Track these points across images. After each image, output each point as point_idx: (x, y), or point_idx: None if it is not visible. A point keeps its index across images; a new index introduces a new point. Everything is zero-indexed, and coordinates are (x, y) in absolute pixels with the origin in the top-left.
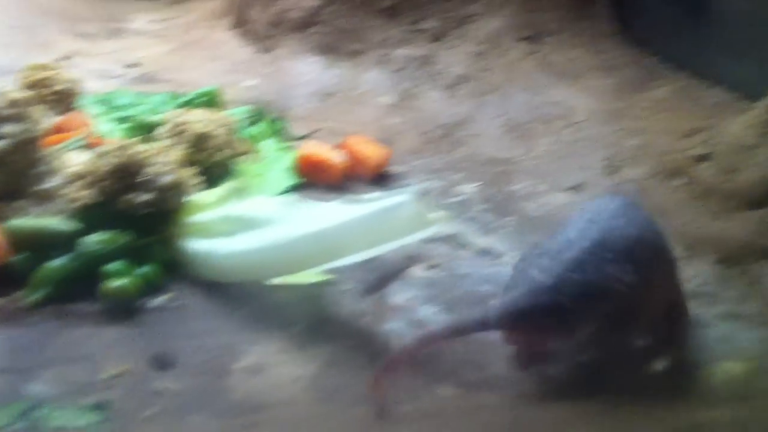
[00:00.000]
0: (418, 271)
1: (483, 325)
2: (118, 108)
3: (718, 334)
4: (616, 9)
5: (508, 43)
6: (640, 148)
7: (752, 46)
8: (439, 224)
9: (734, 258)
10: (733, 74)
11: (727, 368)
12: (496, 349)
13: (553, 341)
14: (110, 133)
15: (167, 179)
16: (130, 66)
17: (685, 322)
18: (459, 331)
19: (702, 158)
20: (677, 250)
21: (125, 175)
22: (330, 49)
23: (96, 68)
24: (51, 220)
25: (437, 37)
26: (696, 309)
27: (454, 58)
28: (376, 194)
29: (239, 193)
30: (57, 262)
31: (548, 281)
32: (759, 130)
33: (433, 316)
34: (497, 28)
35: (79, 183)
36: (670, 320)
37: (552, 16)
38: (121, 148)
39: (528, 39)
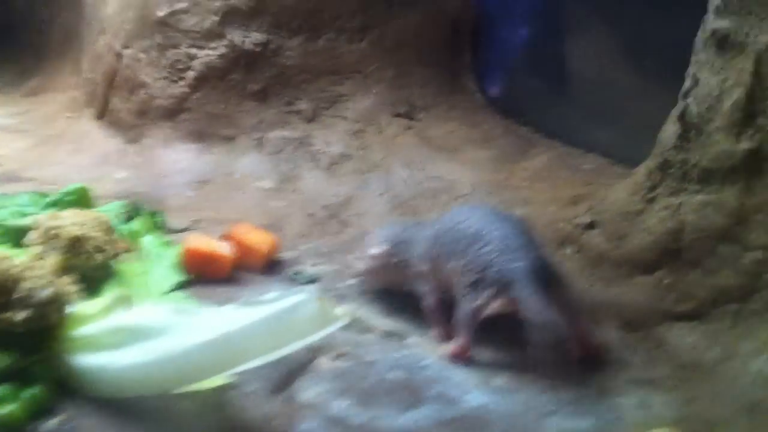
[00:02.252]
0: (325, 363)
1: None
2: None
3: (633, 401)
4: (482, 82)
5: (384, 120)
6: (526, 218)
7: (616, 112)
8: (342, 321)
9: (635, 323)
10: (603, 141)
11: None
12: None
13: None
14: None
15: (44, 293)
16: None
17: None
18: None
19: (590, 226)
20: None
21: None
22: (202, 135)
23: None
24: None
25: (312, 118)
26: (606, 376)
27: (331, 137)
28: (274, 295)
29: (124, 299)
30: None
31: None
32: (642, 195)
33: (347, 410)
34: (371, 105)
35: None
36: None
37: (423, 92)
38: None
39: (403, 115)
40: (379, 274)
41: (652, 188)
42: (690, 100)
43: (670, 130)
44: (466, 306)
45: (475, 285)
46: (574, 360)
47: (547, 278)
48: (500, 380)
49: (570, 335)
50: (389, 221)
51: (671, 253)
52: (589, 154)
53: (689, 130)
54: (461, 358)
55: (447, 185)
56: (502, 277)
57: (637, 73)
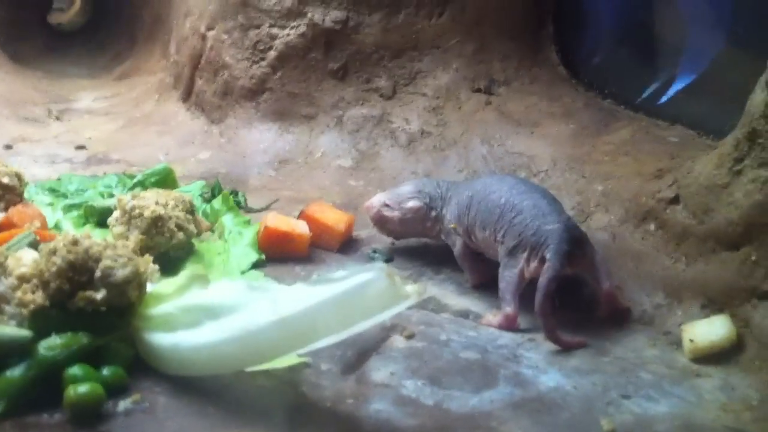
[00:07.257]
0: (397, 342)
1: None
2: (66, 195)
3: (716, 383)
4: (564, 55)
5: (463, 95)
6: (607, 194)
7: (705, 83)
8: (413, 298)
9: (719, 301)
10: (691, 112)
11: None
12: None
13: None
14: (61, 222)
15: (122, 273)
16: (78, 148)
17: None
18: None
19: (673, 200)
20: (659, 297)
21: (76, 274)
22: (282, 115)
23: (43, 153)
24: (2, 328)
25: (391, 95)
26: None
27: (409, 114)
28: (344, 272)
29: (201, 278)
30: (12, 372)
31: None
32: (729, 168)
33: (419, 390)
34: (450, 81)
35: (26, 286)
36: None
37: (503, 65)
38: (70, 244)
39: (482, 90)
40: (410, 225)
41: (739, 160)
42: None
43: (758, 97)
44: (508, 273)
45: (514, 251)
46: (604, 316)
47: (577, 239)
48: (576, 361)
49: (597, 293)
50: (422, 178)
51: (759, 228)
52: (675, 126)
53: None
54: (510, 328)
55: (526, 161)
56: (539, 239)
57: (726, 42)
